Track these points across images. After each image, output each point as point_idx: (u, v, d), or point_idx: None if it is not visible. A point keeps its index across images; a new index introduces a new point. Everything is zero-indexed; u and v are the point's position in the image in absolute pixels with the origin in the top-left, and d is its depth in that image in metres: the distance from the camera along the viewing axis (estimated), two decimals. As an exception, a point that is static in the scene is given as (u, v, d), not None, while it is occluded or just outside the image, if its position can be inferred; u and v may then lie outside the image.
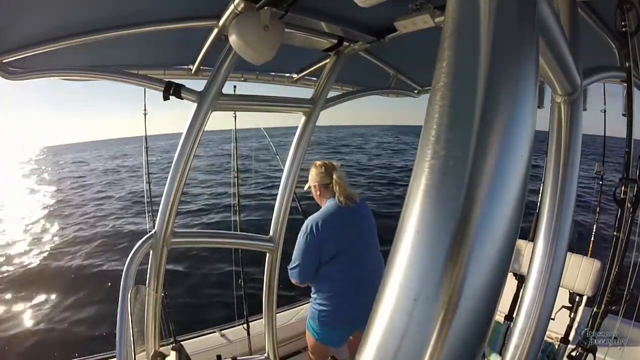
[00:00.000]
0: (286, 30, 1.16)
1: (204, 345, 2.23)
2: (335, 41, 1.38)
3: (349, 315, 1.77)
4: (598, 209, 2.99)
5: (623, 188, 1.20)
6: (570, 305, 1.86)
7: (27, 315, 4.55)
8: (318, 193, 1.86)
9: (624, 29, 1.09)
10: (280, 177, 1.71)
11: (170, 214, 1.40)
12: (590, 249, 2.93)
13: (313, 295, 1.83)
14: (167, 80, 1.34)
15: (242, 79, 1.78)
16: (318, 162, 1.89)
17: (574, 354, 1.32)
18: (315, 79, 1.86)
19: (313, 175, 1.87)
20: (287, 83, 1.91)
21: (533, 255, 0.59)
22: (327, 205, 1.82)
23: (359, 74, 1.95)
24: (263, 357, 1.77)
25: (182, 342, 2.03)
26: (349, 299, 1.76)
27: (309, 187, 1.90)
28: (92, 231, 7.78)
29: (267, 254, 1.65)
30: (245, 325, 2.32)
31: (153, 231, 1.42)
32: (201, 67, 1.51)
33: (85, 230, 7.94)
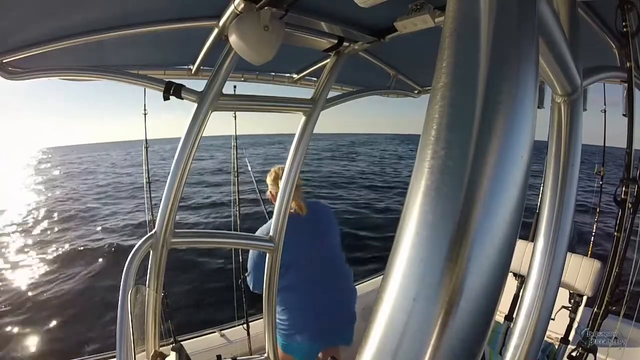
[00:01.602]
0: (286, 30, 1.16)
1: (204, 345, 2.23)
2: (335, 41, 1.38)
3: (307, 331, 1.73)
4: (598, 209, 2.99)
5: (623, 188, 1.20)
6: (570, 305, 1.86)
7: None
8: (273, 200, 1.84)
9: (624, 29, 1.09)
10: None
11: (170, 214, 1.40)
12: (590, 249, 2.93)
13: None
14: (167, 80, 1.34)
15: (242, 79, 1.77)
16: (273, 169, 1.88)
17: (574, 354, 1.32)
18: (315, 79, 1.86)
19: (267, 181, 1.88)
20: (287, 83, 1.90)
21: (533, 255, 0.59)
22: None
23: (359, 74, 1.95)
24: (263, 357, 1.77)
25: (182, 342, 2.03)
26: (306, 313, 1.73)
27: (269, 193, 1.89)
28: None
29: (267, 254, 1.65)
30: (245, 325, 2.32)
31: (153, 231, 1.41)
32: (201, 67, 1.51)
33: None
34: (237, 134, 2.87)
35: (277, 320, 1.80)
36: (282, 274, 1.74)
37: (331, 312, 1.80)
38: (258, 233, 1.83)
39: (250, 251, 1.81)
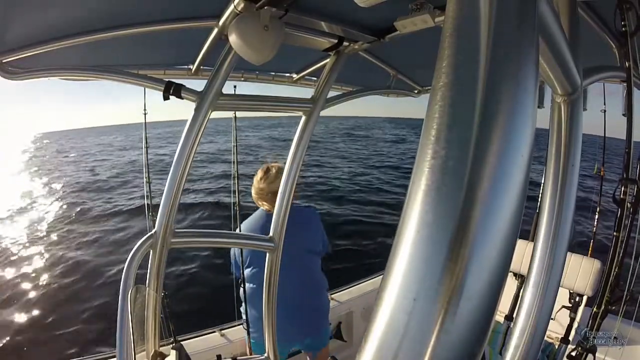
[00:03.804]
0: (286, 30, 1.16)
1: (204, 345, 2.23)
2: (335, 41, 1.38)
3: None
4: (598, 209, 2.99)
5: (623, 188, 1.20)
6: (570, 305, 1.86)
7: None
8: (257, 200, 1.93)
9: (623, 29, 1.09)
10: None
11: (170, 214, 1.40)
12: (590, 249, 2.93)
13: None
14: (167, 80, 1.34)
15: (242, 79, 1.77)
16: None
17: (573, 354, 1.32)
18: (315, 79, 1.86)
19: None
20: (287, 83, 1.91)
21: (533, 255, 0.59)
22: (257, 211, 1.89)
23: (359, 74, 1.95)
24: (263, 357, 1.77)
25: (182, 342, 2.02)
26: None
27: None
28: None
29: (268, 254, 1.65)
30: (245, 325, 2.32)
31: (153, 231, 1.41)
32: (201, 67, 1.51)
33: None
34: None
35: (244, 317, 1.87)
36: (246, 271, 1.83)
37: (290, 315, 1.81)
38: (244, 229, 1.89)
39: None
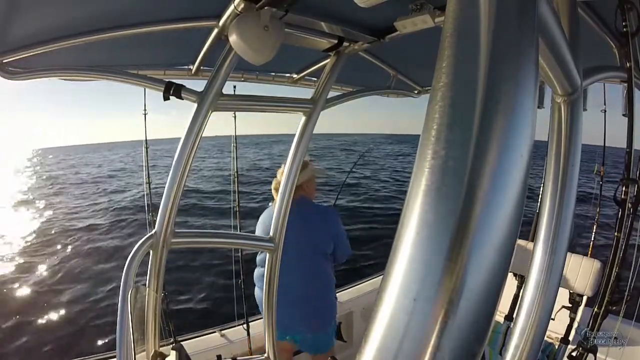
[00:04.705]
0: (286, 30, 1.16)
1: (204, 345, 2.23)
2: (335, 41, 1.38)
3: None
4: (598, 209, 2.99)
5: (623, 188, 1.20)
6: (570, 305, 1.86)
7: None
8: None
9: (624, 29, 1.09)
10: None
11: (171, 214, 1.40)
12: (590, 249, 2.93)
13: None
14: (167, 80, 1.34)
15: (242, 79, 1.77)
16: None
17: (574, 354, 1.32)
18: (315, 79, 1.86)
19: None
20: (287, 83, 1.91)
21: (533, 255, 0.59)
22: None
23: (359, 74, 1.95)
24: (263, 357, 1.77)
25: (182, 342, 2.03)
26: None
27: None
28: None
29: (268, 254, 1.65)
30: (245, 325, 2.32)
31: (153, 231, 1.41)
32: (201, 67, 1.51)
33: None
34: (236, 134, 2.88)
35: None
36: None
37: (291, 305, 1.85)
38: (259, 225, 1.94)
39: None
